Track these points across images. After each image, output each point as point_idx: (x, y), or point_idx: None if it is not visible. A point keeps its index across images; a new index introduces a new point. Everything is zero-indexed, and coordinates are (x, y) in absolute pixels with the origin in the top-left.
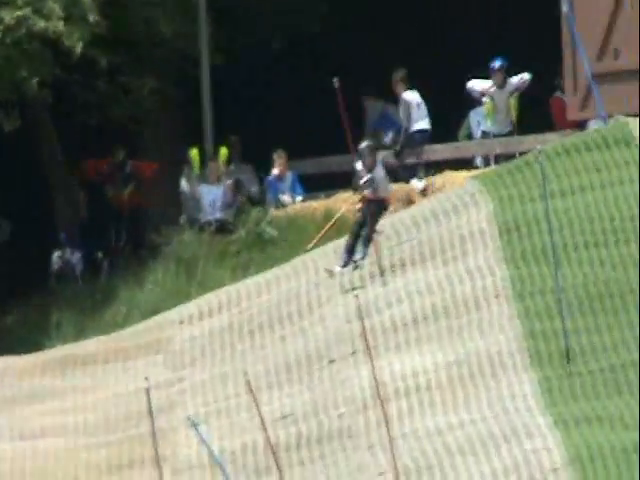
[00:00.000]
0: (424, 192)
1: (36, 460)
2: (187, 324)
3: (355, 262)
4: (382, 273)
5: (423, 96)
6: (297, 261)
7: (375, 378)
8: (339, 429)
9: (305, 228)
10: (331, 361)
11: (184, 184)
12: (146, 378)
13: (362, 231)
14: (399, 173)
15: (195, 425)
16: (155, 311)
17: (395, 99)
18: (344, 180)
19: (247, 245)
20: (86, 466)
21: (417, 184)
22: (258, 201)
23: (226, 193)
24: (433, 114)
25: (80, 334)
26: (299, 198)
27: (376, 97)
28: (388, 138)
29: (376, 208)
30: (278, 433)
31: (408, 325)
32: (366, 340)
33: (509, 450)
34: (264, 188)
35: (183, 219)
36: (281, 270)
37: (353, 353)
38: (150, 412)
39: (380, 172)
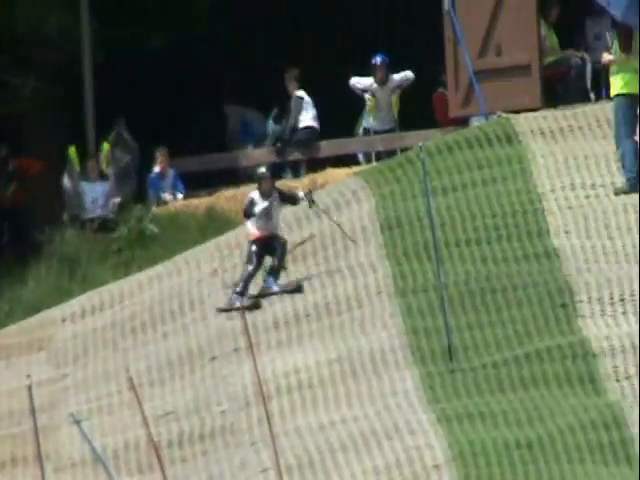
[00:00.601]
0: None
1: None
2: (70, 322)
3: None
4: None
5: (310, 95)
6: (179, 258)
7: (257, 375)
8: (221, 426)
9: (187, 226)
10: (213, 358)
11: (66, 182)
12: (28, 376)
13: (256, 272)
14: (281, 170)
15: (78, 422)
16: (38, 309)
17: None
18: (225, 178)
19: (129, 242)
20: None
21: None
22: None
23: (108, 190)
24: (320, 113)
25: None
26: (180, 196)
27: (237, 104)
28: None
29: (280, 244)
30: (160, 430)
31: (290, 322)
32: (248, 337)
33: (391, 447)
34: (146, 186)
35: (66, 217)
36: (163, 267)
37: (235, 350)
38: (33, 410)
39: (277, 200)
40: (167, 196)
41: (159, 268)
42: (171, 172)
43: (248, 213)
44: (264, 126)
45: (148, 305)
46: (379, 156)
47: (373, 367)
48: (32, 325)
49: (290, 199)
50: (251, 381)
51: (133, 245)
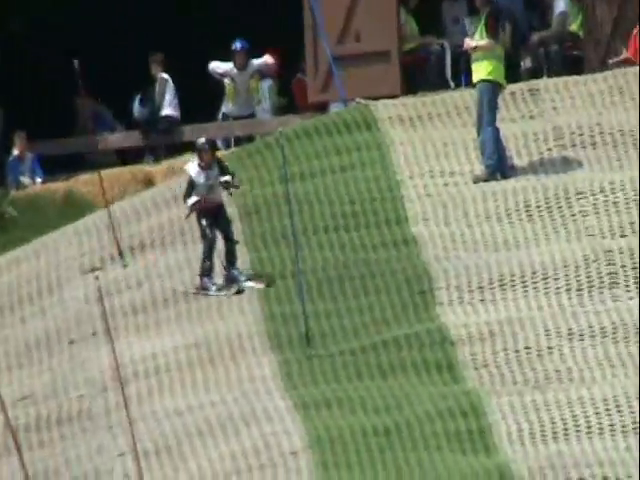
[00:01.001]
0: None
1: None
2: None
3: (239, 286)
4: (122, 255)
5: (174, 81)
6: (37, 242)
7: (115, 360)
8: (79, 410)
9: (46, 209)
10: (71, 342)
11: None
12: None
13: (215, 248)
14: (143, 154)
15: None
16: None
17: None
18: (83, 161)
19: None
20: None
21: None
22: None
23: None
24: (183, 98)
25: None
26: (39, 180)
27: (88, 95)
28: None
29: (225, 214)
30: (18, 414)
31: (148, 308)
32: (106, 322)
33: (249, 433)
34: (5, 169)
35: None
36: (22, 251)
37: (93, 335)
38: None
39: (217, 171)
40: (26, 180)
41: (18, 252)
42: (30, 156)
43: (186, 198)
44: (113, 121)
45: (6, 289)
46: (238, 142)
47: (230, 353)
48: None
49: (225, 171)
50: (109, 365)
51: None
